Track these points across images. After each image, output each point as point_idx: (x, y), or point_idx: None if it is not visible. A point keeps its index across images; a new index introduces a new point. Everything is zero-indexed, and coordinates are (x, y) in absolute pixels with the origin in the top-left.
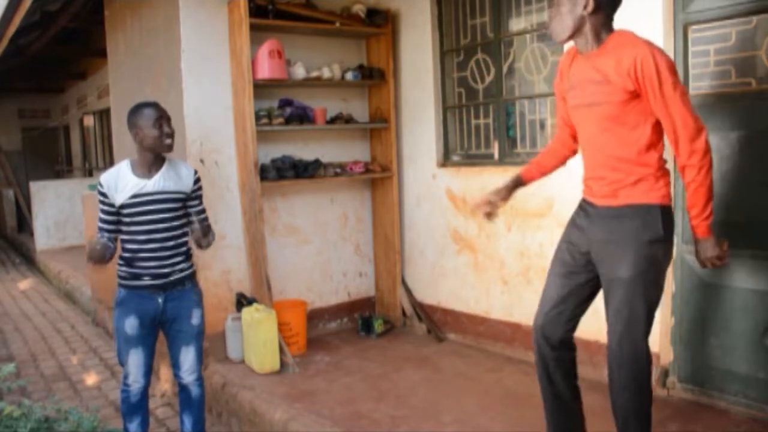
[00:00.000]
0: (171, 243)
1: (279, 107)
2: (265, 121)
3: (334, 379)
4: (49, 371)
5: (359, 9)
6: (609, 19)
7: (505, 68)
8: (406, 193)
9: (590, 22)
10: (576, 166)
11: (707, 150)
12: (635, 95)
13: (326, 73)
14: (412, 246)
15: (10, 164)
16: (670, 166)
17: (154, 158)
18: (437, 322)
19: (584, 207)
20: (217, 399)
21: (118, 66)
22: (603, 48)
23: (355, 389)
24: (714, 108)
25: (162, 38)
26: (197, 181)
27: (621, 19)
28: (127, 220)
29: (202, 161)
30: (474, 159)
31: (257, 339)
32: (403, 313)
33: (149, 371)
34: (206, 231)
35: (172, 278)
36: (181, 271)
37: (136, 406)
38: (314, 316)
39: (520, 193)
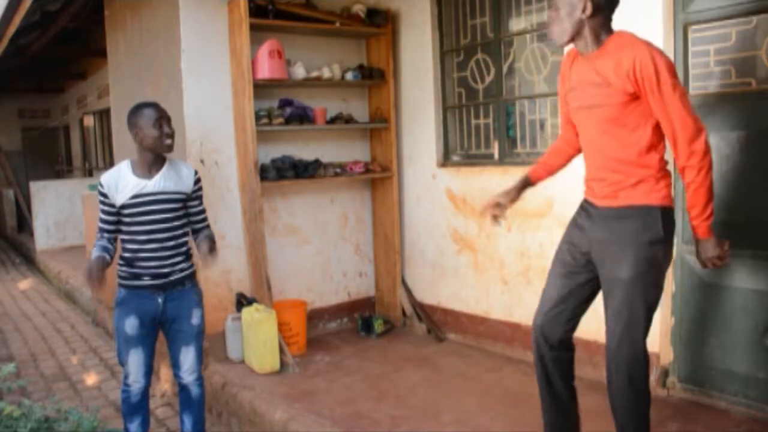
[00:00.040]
0: (171, 243)
1: (279, 107)
2: (265, 121)
3: (334, 379)
4: (49, 371)
5: (359, 9)
6: (608, 21)
7: (505, 68)
8: (406, 193)
9: (589, 25)
10: (576, 166)
11: (707, 151)
12: (635, 97)
13: (326, 73)
14: (412, 246)
15: (10, 164)
16: (671, 167)
17: (154, 158)
18: (437, 322)
19: (585, 207)
20: (217, 399)
21: (118, 66)
22: (603, 49)
23: (355, 389)
24: (714, 108)
25: (162, 38)
26: (197, 181)
27: (621, 20)
28: (127, 220)
29: (202, 161)
30: (474, 159)
31: (257, 339)
32: (403, 313)
33: (149, 371)
34: (213, 247)
35: (172, 278)
36: (181, 271)
37: (137, 406)
38: (314, 316)
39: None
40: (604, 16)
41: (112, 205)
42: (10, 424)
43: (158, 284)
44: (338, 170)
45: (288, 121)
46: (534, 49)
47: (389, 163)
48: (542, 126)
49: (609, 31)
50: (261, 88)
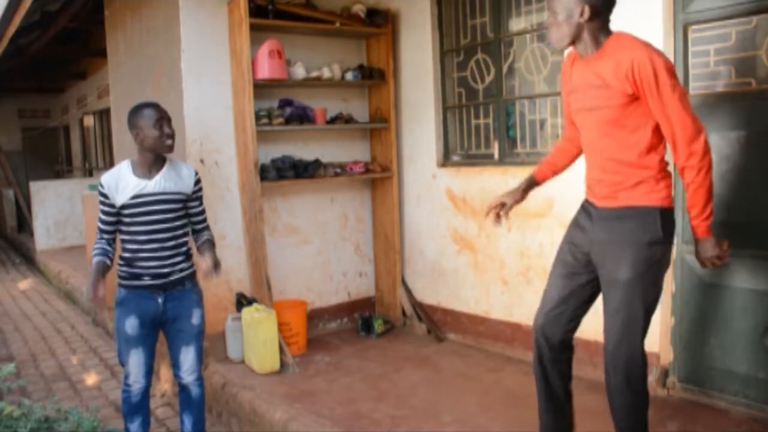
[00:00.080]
0: (171, 243)
1: (279, 107)
2: (265, 121)
3: (334, 379)
4: (49, 371)
5: (359, 9)
6: (606, 23)
7: (505, 68)
8: (406, 193)
9: (588, 29)
10: (576, 166)
11: (706, 152)
12: (634, 98)
13: (326, 73)
14: (412, 246)
15: (10, 164)
16: (671, 167)
17: (154, 159)
18: (437, 322)
19: (586, 207)
20: (217, 399)
21: (118, 66)
22: (601, 51)
23: (355, 389)
24: (714, 108)
25: (162, 38)
26: (198, 182)
27: (621, 20)
28: (127, 220)
29: (202, 161)
30: (474, 159)
31: (257, 339)
32: (403, 313)
33: (150, 371)
34: (216, 263)
35: (172, 278)
36: (182, 271)
37: (137, 407)
38: (314, 316)
39: None
40: (602, 18)
41: (112, 206)
42: (10, 424)
43: (158, 284)
44: (338, 170)
45: (288, 121)
46: (534, 49)
47: (389, 163)
48: (542, 126)
49: (608, 32)
50: (261, 88)
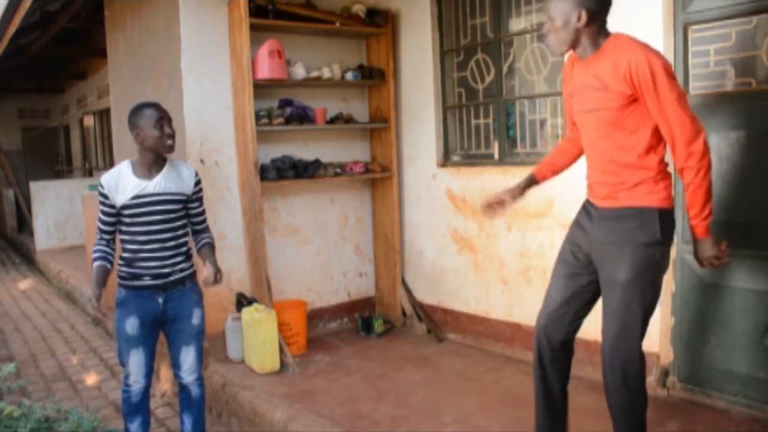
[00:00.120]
0: (171, 243)
1: (279, 107)
2: (265, 121)
3: (334, 379)
4: (49, 371)
5: (359, 9)
6: (603, 24)
7: (505, 68)
8: (406, 193)
9: (586, 33)
10: (576, 166)
11: (705, 152)
12: (633, 99)
13: (326, 73)
14: (412, 246)
15: (10, 164)
16: (672, 168)
17: (155, 159)
18: (437, 322)
19: (587, 208)
20: (217, 399)
21: (118, 66)
22: (600, 53)
23: (355, 389)
24: (714, 108)
25: (162, 38)
26: (198, 182)
27: (621, 20)
28: (127, 220)
29: (202, 161)
30: (474, 159)
31: (257, 339)
32: (403, 313)
33: (150, 371)
34: (217, 273)
35: (172, 278)
36: (182, 271)
37: (137, 407)
38: (314, 316)
39: None
40: (600, 21)
41: (112, 206)
42: (10, 424)
43: (159, 284)
44: (338, 170)
45: (288, 121)
46: (534, 49)
47: (389, 163)
48: (542, 126)
49: (606, 34)
50: (261, 88)
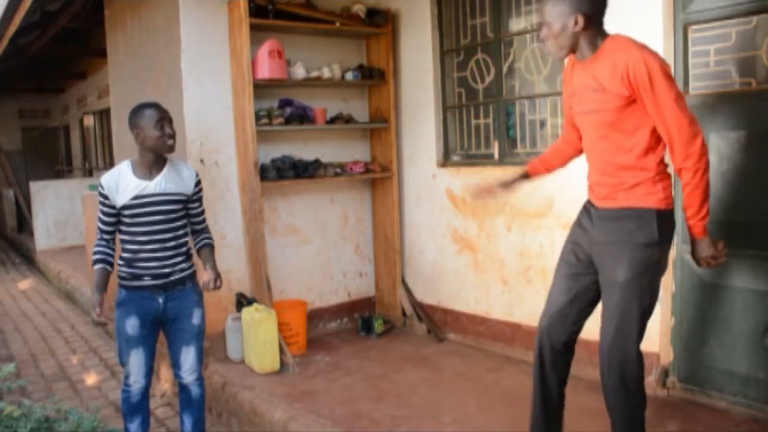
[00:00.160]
0: (172, 243)
1: (279, 107)
2: (265, 121)
3: (334, 379)
4: (49, 371)
5: (359, 9)
6: (600, 26)
7: (505, 68)
8: (406, 193)
9: (583, 36)
10: (576, 166)
11: (703, 153)
12: (631, 101)
13: (326, 73)
14: (412, 246)
15: (10, 164)
16: (671, 169)
17: (155, 159)
18: (437, 322)
19: (588, 208)
20: (217, 399)
21: (118, 66)
22: (598, 54)
23: (355, 389)
24: (714, 108)
25: (162, 38)
26: (198, 183)
27: (621, 20)
28: (128, 221)
29: (202, 161)
30: (474, 159)
31: (257, 339)
32: (403, 313)
33: (150, 371)
34: (218, 280)
35: (172, 278)
36: (182, 271)
37: (137, 407)
38: (314, 316)
39: (520, 192)
40: (597, 23)
41: (113, 206)
42: (10, 424)
43: (159, 284)
44: (338, 170)
45: (288, 121)
46: (534, 49)
47: (389, 163)
48: (542, 126)
49: (603, 35)
50: (261, 88)
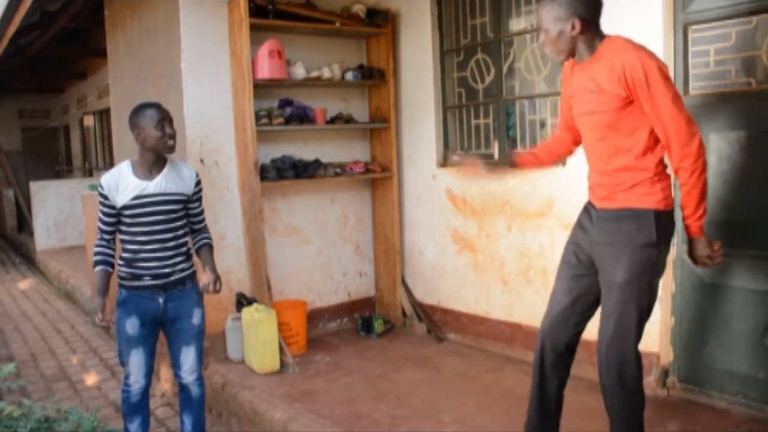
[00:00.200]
0: (172, 243)
1: (279, 107)
2: (265, 121)
3: (334, 379)
4: (49, 371)
5: (359, 9)
6: (597, 28)
7: (505, 68)
8: (406, 193)
9: (581, 39)
10: (576, 166)
11: (700, 154)
12: (629, 101)
13: (326, 73)
14: (412, 246)
15: (10, 164)
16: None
17: (155, 159)
18: (437, 322)
19: (588, 209)
20: (217, 399)
21: (118, 66)
22: (596, 56)
23: (355, 389)
24: (714, 108)
25: (162, 38)
26: (198, 183)
27: (621, 20)
28: (128, 221)
29: (202, 161)
30: None
31: (257, 339)
32: (403, 313)
33: (150, 371)
34: (217, 283)
35: (172, 278)
36: (182, 271)
37: (137, 406)
38: (314, 316)
39: (521, 192)
40: (594, 26)
41: (113, 207)
42: (10, 424)
43: (159, 284)
44: (338, 170)
45: (288, 121)
46: (534, 49)
47: (389, 163)
48: (542, 126)
49: (601, 36)
50: (261, 88)
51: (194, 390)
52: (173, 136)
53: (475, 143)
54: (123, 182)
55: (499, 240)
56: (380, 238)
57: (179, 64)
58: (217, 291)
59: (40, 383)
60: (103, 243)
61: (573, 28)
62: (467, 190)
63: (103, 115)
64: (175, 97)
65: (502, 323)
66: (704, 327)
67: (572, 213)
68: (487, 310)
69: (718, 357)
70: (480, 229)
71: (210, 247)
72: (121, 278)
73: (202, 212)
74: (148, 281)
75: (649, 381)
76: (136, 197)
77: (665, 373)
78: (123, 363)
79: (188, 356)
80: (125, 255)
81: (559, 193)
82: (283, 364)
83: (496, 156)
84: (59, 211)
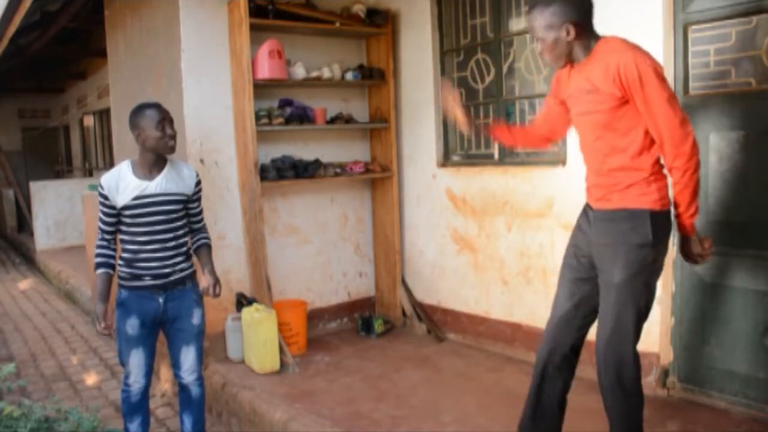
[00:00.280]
0: (172, 243)
1: (279, 107)
2: (265, 121)
3: (334, 379)
4: (49, 371)
5: (359, 9)
6: (592, 30)
7: (505, 68)
8: (406, 193)
9: (577, 43)
10: (576, 166)
11: (693, 153)
12: (624, 101)
13: (326, 73)
14: (412, 246)
15: (10, 164)
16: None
17: (155, 159)
18: (437, 322)
19: (586, 210)
20: (217, 399)
21: (118, 66)
22: (591, 56)
23: (355, 389)
24: (714, 108)
25: (162, 38)
26: (198, 183)
27: (621, 20)
28: (128, 221)
29: (202, 161)
30: (474, 159)
31: (257, 339)
32: (403, 313)
33: (150, 371)
34: (217, 286)
35: (172, 278)
36: (182, 270)
37: (137, 406)
38: (314, 316)
39: (521, 192)
40: (588, 28)
41: (113, 207)
42: (10, 424)
43: (159, 284)
44: (338, 170)
45: (288, 121)
46: (534, 49)
47: (389, 163)
48: None
49: (596, 37)
50: (261, 88)
51: (194, 390)
52: (173, 137)
53: (475, 143)
54: (123, 182)
55: (499, 240)
56: (380, 238)
57: (179, 64)
58: (216, 295)
59: (40, 383)
60: (104, 244)
61: (568, 34)
62: (467, 190)
63: (103, 115)
64: (175, 97)
65: (502, 323)
66: (704, 327)
67: (572, 213)
68: (487, 310)
69: (718, 357)
70: (480, 229)
71: (209, 247)
72: (121, 278)
73: (201, 212)
74: (148, 281)
75: (649, 381)
76: (137, 197)
77: (665, 373)
78: (123, 363)
79: (188, 356)
80: (125, 255)
81: (559, 193)
82: (283, 364)
83: (496, 156)
84: (59, 211)
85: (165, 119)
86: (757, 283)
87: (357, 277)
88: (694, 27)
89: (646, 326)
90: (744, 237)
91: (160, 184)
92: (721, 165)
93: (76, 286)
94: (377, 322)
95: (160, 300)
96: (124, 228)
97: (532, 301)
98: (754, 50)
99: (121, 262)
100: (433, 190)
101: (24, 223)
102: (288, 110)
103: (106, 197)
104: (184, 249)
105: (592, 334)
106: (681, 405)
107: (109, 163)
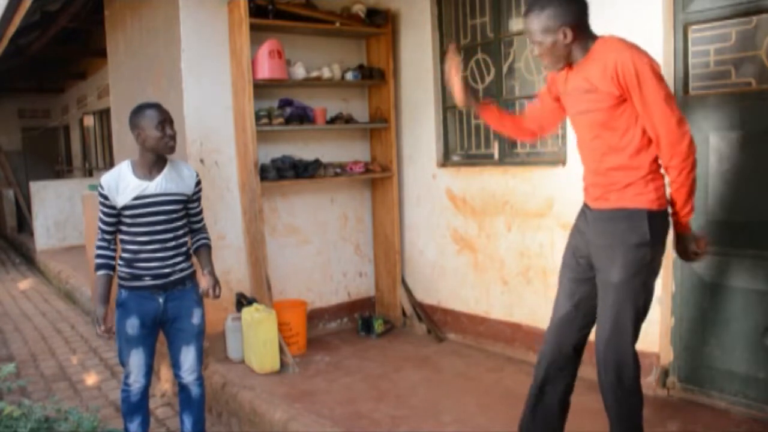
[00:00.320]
0: (172, 243)
1: (279, 107)
2: (265, 121)
3: (334, 379)
4: (49, 371)
5: (359, 9)
6: (588, 31)
7: (505, 68)
8: (406, 193)
9: (575, 45)
10: (575, 166)
11: (690, 153)
12: (622, 100)
13: (326, 73)
14: (412, 246)
15: (10, 164)
16: None
17: (155, 159)
18: (437, 322)
19: (584, 210)
20: (217, 399)
21: (118, 66)
22: (589, 56)
23: (355, 389)
24: (714, 108)
25: (162, 38)
26: (198, 183)
27: (621, 20)
28: (128, 221)
29: (202, 161)
30: (474, 159)
31: (257, 339)
32: (403, 313)
33: (150, 371)
34: (217, 288)
35: (172, 278)
36: (182, 270)
37: (137, 406)
38: (314, 316)
39: (521, 192)
40: (584, 30)
41: (113, 207)
42: (10, 424)
43: (159, 284)
44: (338, 170)
45: (288, 121)
46: (534, 48)
47: (389, 163)
48: None
49: (593, 37)
50: (261, 88)
51: (194, 390)
52: (173, 137)
53: (475, 143)
54: (123, 182)
55: (499, 240)
56: (380, 238)
57: (179, 64)
58: (216, 296)
59: (40, 383)
60: (104, 244)
61: (565, 37)
62: (467, 190)
63: (103, 115)
64: (175, 97)
65: (502, 323)
66: (704, 327)
67: (572, 213)
68: (487, 310)
69: (718, 357)
70: (480, 229)
71: (208, 247)
72: (121, 278)
73: (201, 212)
74: (148, 281)
75: (649, 381)
76: (137, 197)
77: (665, 373)
78: (123, 363)
79: (188, 356)
80: (125, 255)
81: (559, 193)
82: (283, 364)
83: (496, 156)
84: (59, 211)
85: (165, 119)
86: (757, 283)
87: (357, 277)
88: (694, 27)
89: (646, 326)
90: (744, 237)
91: (160, 184)
92: (721, 165)
93: (76, 286)
94: (377, 322)
95: (160, 300)
96: (124, 228)
97: (532, 301)
98: (754, 50)
99: (121, 263)
100: (433, 190)
101: (24, 223)
102: (288, 110)
103: (106, 197)
104: (184, 249)
105: (591, 334)
106: (681, 405)
107: (109, 163)
